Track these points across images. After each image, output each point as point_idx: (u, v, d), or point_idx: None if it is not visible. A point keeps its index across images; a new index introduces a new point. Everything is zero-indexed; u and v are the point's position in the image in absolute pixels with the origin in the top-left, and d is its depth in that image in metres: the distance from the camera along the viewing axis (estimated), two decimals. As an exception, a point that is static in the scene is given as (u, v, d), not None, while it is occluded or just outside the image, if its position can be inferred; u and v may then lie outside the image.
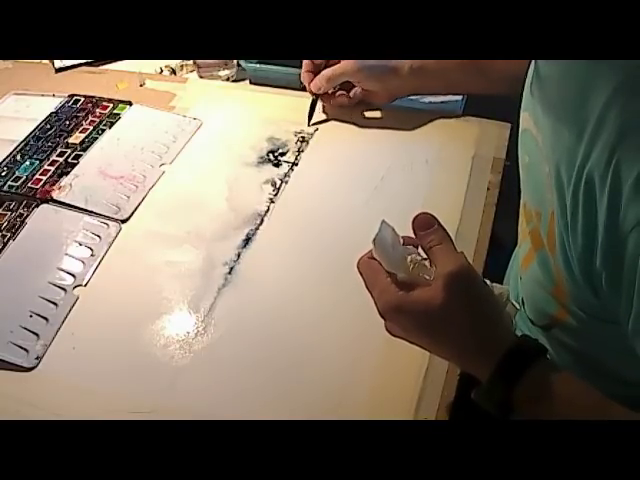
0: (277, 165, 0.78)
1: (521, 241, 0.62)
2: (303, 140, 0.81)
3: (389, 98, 0.81)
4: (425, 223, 0.47)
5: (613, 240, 0.42)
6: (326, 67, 0.80)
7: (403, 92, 0.81)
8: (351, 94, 0.82)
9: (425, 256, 0.47)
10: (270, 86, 0.90)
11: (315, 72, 0.81)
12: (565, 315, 0.54)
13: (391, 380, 0.56)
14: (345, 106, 0.83)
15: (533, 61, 0.54)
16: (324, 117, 0.84)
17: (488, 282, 0.48)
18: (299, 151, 0.80)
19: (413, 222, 0.48)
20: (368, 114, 0.84)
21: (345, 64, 0.78)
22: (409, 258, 0.47)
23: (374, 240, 0.47)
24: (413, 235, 0.48)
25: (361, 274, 0.48)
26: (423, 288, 0.45)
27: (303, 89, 0.89)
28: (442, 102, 0.86)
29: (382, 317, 0.47)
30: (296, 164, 0.78)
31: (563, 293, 0.52)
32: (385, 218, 0.48)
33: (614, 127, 0.41)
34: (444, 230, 0.47)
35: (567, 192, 0.45)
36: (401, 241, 0.48)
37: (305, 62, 0.81)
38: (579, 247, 0.45)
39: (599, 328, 0.52)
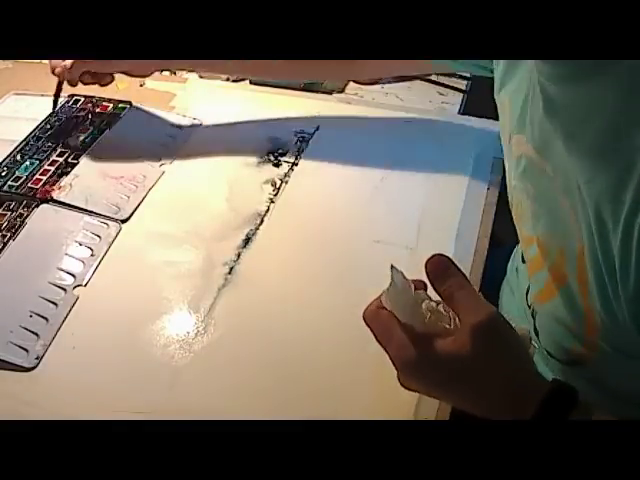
0: (277, 165, 0.78)
1: (532, 269, 0.57)
2: (303, 140, 0.81)
3: (142, 71, 0.80)
4: (441, 266, 0.43)
5: None
6: None
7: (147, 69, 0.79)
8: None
9: (437, 299, 0.44)
10: (270, 86, 0.90)
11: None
12: (592, 352, 0.50)
13: (391, 380, 0.56)
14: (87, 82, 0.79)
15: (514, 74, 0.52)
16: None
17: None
18: (299, 151, 0.80)
19: (426, 265, 0.44)
20: (369, 114, 0.84)
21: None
22: (424, 306, 0.43)
23: (387, 290, 0.43)
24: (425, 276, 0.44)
25: (369, 326, 0.44)
26: (446, 340, 0.41)
27: (303, 89, 0.89)
28: (442, 102, 0.86)
29: (397, 370, 0.44)
30: (296, 164, 0.78)
31: (595, 332, 0.48)
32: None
33: None
34: (462, 272, 0.43)
35: (613, 237, 0.41)
36: (412, 287, 0.44)
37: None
38: (630, 292, 0.41)
39: (629, 364, 0.49)
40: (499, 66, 0.59)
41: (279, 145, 0.81)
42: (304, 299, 0.63)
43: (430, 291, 0.45)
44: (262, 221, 0.71)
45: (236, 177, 0.77)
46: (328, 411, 0.54)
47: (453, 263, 0.44)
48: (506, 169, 0.60)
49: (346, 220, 0.71)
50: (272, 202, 0.73)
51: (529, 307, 0.58)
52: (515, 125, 0.55)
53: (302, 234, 0.70)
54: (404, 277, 0.43)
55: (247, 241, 0.69)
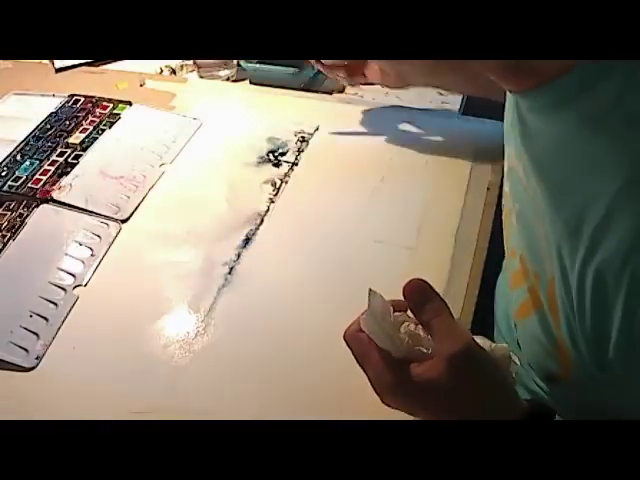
0: (277, 165, 0.78)
1: (514, 283, 0.56)
2: (303, 140, 0.81)
3: (399, 84, 0.76)
4: (418, 291, 0.44)
5: (630, 337, 0.39)
6: None
7: (416, 81, 0.75)
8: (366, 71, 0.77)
9: (416, 320, 0.44)
10: (270, 86, 0.90)
11: None
12: (567, 374, 0.50)
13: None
14: (344, 78, 0.77)
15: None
16: (320, 118, 0.83)
17: (489, 344, 0.45)
18: (299, 151, 0.80)
19: (404, 290, 0.44)
20: (368, 114, 0.84)
21: None
22: (402, 329, 0.43)
23: (364, 316, 0.43)
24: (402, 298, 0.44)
25: (350, 348, 0.45)
26: (422, 366, 0.42)
27: (303, 89, 0.89)
28: (442, 102, 0.86)
29: (377, 394, 0.44)
30: (296, 164, 0.78)
31: (567, 358, 0.48)
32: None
33: (628, 230, 0.37)
34: (439, 297, 0.44)
35: (571, 276, 0.42)
36: (391, 309, 0.44)
37: None
38: (588, 333, 0.42)
39: (604, 388, 0.48)
40: None
41: (279, 145, 0.81)
42: (304, 299, 0.63)
43: None
44: (262, 221, 0.71)
45: (236, 177, 0.77)
46: (328, 411, 0.54)
47: (431, 287, 0.44)
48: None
49: (346, 220, 0.71)
50: (272, 202, 0.73)
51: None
52: (505, 134, 0.55)
53: (302, 234, 0.70)
54: (383, 301, 0.43)
55: (247, 241, 0.69)
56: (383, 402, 0.45)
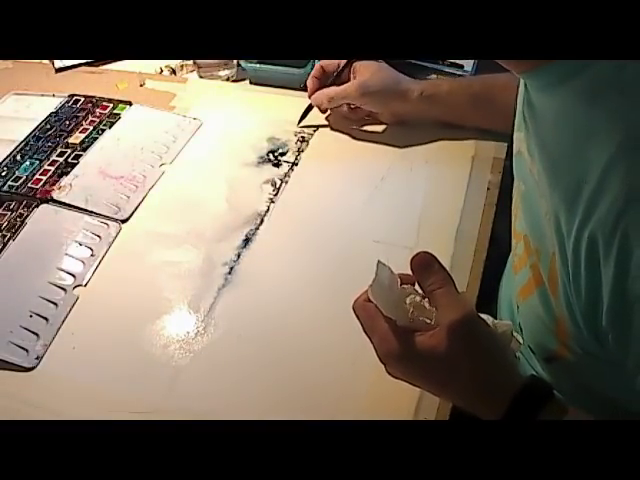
0: (277, 165, 0.78)
1: (518, 265, 0.58)
2: (303, 140, 0.81)
3: (394, 120, 0.80)
4: (424, 263, 0.46)
5: (620, 304, 0.40)
6: (335, 78, 0.79)
7: (409, 116, 0.79)
8: (355, 113, 0.81)
9: (423, 293, 0.46)
10: (270, 86, 0.90)
11: (321, 79, 0.80)
12: (565, 352, 0.52)
13: (391, 380, 0.56)
14: (347, 117, 0.81)
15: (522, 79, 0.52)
16: (318, 121, 0.83)
17: (491, 320, 0.46)
18: (299, 151, 0.80)
19: (411, 262, 0.46)
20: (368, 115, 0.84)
21: (349, 89, 0.76)
22: (408, 300, 0.45)
23: (371, 285, 0.45)
24: (410, 272, 0.46)
25: (357, 317, 0.47)
26: (425, 335, 0.43)
27: (303, 89, 0.89)
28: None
29: (382, 362, 0.46)
30: (296, 164, 0.78)
31: (565, 333, 0.50)
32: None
33: (620, 191, 0.38)
34: (445, 270, 0.46)
35: (567, 245, 0.43)
36: (398, 281, 0.46)
37: (316, 66, 0.80)
38: (582, 303, 0.43)
39: (600, 367, 0.50)
40: None
41: (279, 145, 0.81)
42: (304, 299, 0.63)
43: None
44: (262, 221, 0.71)
45: (236, 177, 0.77)
46: (328, 411, 0.54)
47: (437, 261, 0.46)
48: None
49: (346, 220, 0.71)
50: (272, 202, 0.73)
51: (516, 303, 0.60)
52: (516, 123, 0.56)
53: (302, 234, 0.70)
54: (391, 272, 0.45)
55: (247, 241, 0.69)
56: (387, 372, 0.47)
